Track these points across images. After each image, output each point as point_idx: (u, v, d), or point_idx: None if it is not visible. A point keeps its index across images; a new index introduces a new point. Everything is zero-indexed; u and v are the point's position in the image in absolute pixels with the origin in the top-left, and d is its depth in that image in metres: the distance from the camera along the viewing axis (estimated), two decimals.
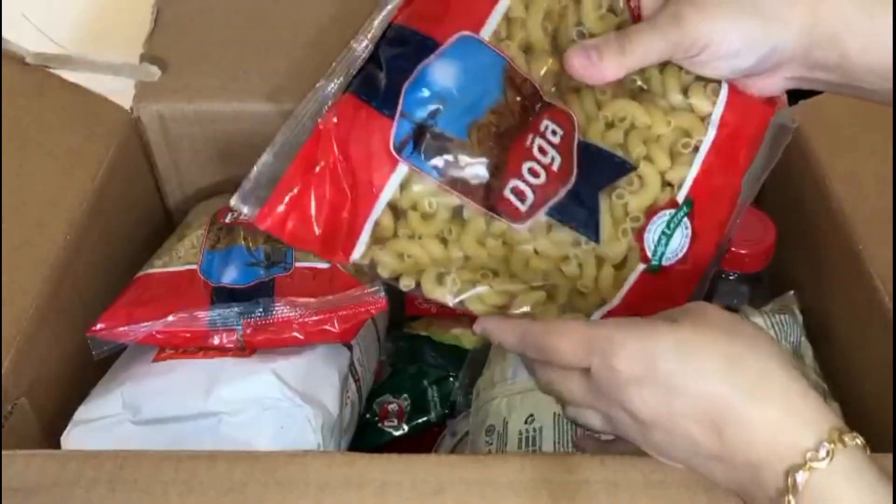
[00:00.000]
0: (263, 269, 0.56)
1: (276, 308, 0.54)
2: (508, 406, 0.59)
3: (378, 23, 0.46)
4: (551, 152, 0.45)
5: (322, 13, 0.72)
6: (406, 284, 0.46)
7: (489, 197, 0.44)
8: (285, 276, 0.56)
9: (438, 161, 0.44)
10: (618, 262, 0.47)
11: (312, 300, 0.54)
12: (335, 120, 0.44)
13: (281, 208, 0.44)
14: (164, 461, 0.43)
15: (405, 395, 0.69)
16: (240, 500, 0.41)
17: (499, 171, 0.44)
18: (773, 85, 0.49)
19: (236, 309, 0.54)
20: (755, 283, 0.62)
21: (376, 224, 0.45)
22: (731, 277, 0.60)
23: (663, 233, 0.46)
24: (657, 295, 0.46)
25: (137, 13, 0.72)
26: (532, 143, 0.45)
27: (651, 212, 0.46)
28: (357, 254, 0.45)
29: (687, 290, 0.48)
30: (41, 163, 0.59)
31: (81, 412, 0.52)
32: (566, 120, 0.46)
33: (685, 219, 0.46)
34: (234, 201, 0.46)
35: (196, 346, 0.54)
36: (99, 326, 0.54)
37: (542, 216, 0.45)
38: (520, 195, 0.44)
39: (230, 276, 0.56)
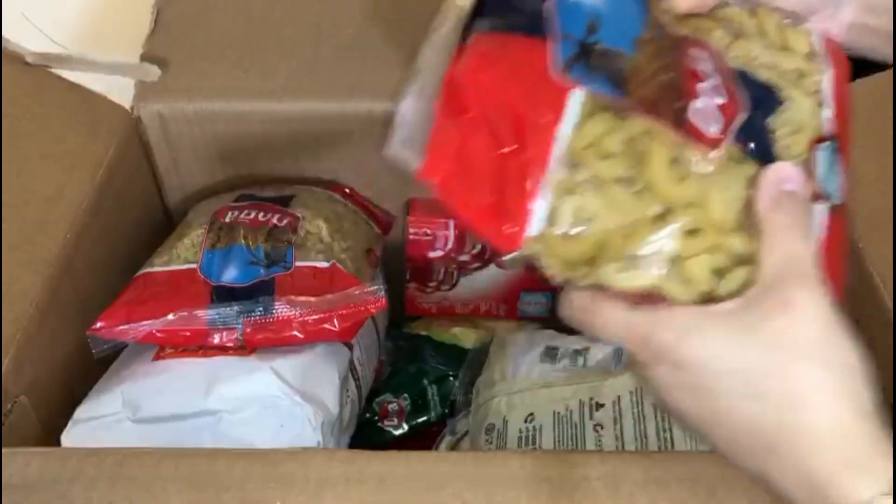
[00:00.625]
0: (263, 267, 0.56)
1: (276, 307, 0.54)
2: (508, 405, 0.59)
3: None
4: (713, 77, 0.39)
5: (322, 13, 0.73)
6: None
7: (679, 120, 0.37)
8: (285, 274, 0.56)
9: (617, 77, 0.36)
10: None
11: (312, 299, 0.55)
12: (472, 61, 0.37)
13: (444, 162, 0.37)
14: (164, 458, 0.43)
15: (405, 395, 0.69)
16: (239, 497, 0.41)
17: (679, 92, 0.37)
18: (835, 28, 0.46)
19: (236, 308, 0.54)
20: None
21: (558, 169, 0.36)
22: None
23: (827, 164, 0.40)
24: (841, 237, 0.40)
25: (138, 13, 0.72)
26: (695, 63, 0.39)
27: (813, 143, 0.39)
28: (537, 219, 0.36)
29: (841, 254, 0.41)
30: (41, 162, 0.59)
31: (81, 410, 0.52)
32: (709, 49, 0.40)
33: (838, 154, 0.40)
34: (393, 149, 0.38)
35: (196, 344, 0.54)
36: (99, 325, 0.54)
37: (730, 143, 0.38)
38: (707, 118, 0.37)
39: (230, 274, 0.56)
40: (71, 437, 0.52)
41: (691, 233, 0.37)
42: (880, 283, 0.53)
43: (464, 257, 0.72)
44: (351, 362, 0.59)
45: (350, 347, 0.59)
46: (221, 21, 0.72)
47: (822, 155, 0.39)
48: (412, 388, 0.69)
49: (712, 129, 0.37)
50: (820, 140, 0.39)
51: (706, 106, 0.37)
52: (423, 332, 0.74)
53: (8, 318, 0.51)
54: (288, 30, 0.71)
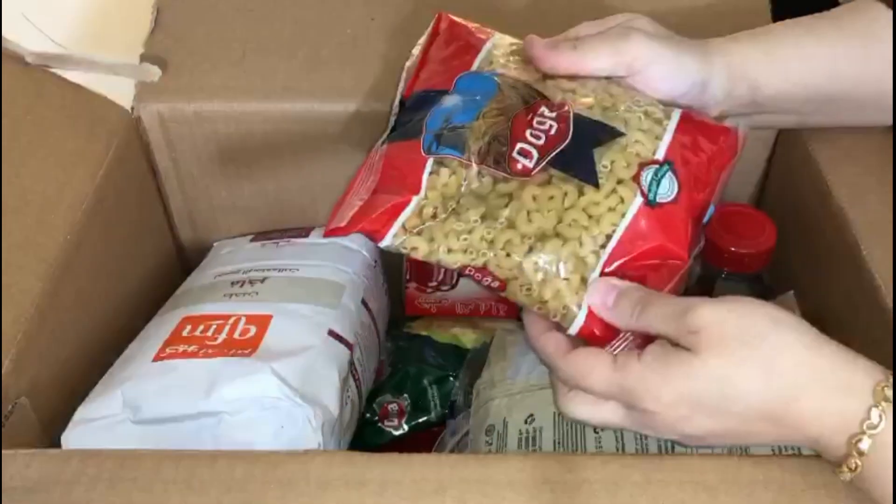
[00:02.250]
0: None
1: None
2: (508, 406, 0.59)
3: (397, 99, 0.57)
4: (549, 122, 0.52)
5: (322, 13, 0.73)
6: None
7: (501, 162, 0.51)
8: None
9: (456, 143, 0.52)
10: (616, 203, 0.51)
11: None
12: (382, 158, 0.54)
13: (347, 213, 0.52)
14: (164, 460, 0.43)
15: (405, 395, 0.69)
16: (240, 499, 0.41)
17: (505, 140, 0.51)
18: (710, 103, 0.56)
19: None
20: (755, 283, 0.62)
21: (412, 214, 0.51)
22: (731, 277, 0.60)
23: (654, 178, 0.50)
24: (657, 228, 0.49)
25: (138, 13, 0.72)
26: (531, 117, 0.52)
27: (641, 164, 0.51)
28: (389, 238, 0.51)
29: (683, 230, 0.50)
30: (41, 162, 0.59)
31: (82, 412, 0.52)
32: (559, 104, 0.53)
33: (669, 172, 0.51)
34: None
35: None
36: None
37: (547, 167, 0.51)
38: (525, 154, 0.51)
39: None
40: (71, 438, 0.52)
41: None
42: (881, 284, 0.53)
43: None
44: (351, 363, 0.59)
45: (350, 347, 0.59)
46: (221, 21, 0.72)
47: (649, 171, 0.50)
48: (412, 388, 0.69)
49: (527, 163, 0.50)
50: (648, 163, 0.50)
51: (525, 147, 0.51)
52: (423, 332, 0.74)
53: (8, 318, 0.51)
54: (288, 30, 0.71)
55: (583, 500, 0.41)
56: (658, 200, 0.50)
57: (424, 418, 0.68)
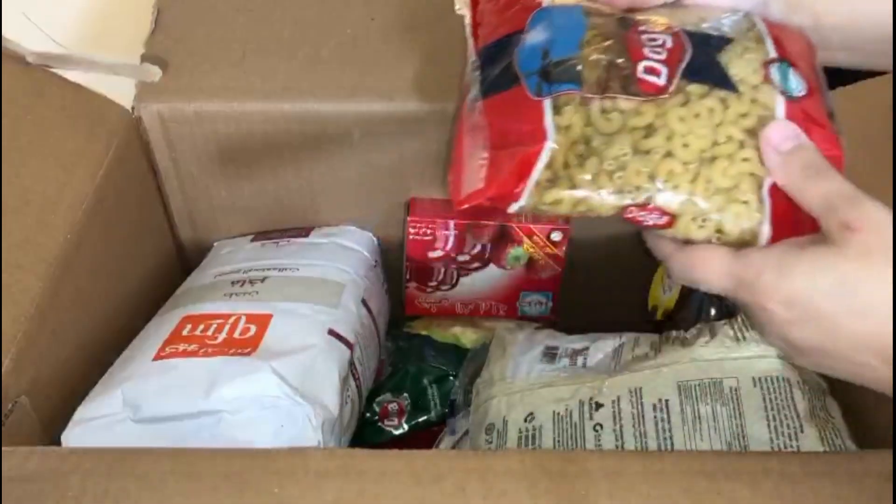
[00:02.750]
0: None
1: None
2: (508, 404, 0.59)
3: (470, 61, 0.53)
4: (661, 37, 0.48)
5: (322, 13, 0.73)
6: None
7: (628, 86, 0.46)
8: None
9: (571, 76, 0.47)
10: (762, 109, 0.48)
11: None
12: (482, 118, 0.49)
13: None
14: (163, 455, 0.43)
15: (405, 395, 0.69)
16: (237, 487, 0.41)
17: (626, 61, 0.47)
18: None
19: None
20: None
21: (544, 167, 0.46)
22: None
23: (782, 76, 0.48)
24: (807, 123, 0.47)
25: (138, 13, 0.72)
26: (640, 35, 0.48)
27: (764, 64, 0.48)
28: (525, 197, 0.47)
29: (827, 124, 0.48)
30: (42, 162, 0.59)
31: (82, 411, 0.53)
32: (660, 22, 0.50)
33: (790, 67, 0.48)
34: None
35: None
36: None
37: (680, 82, 0.47)
38: (653, 72, 0.47)
39: None
40: (71, 437, 0.52)
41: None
42: None
43: (463, 257, 0.72)
44: (351, 362, 0.59)
45: (350, 347, 0.59)
46: (221, 21, 0.72)
47: (775, 69, 0.47)
48: (412, 387, 0.69)
49: (658, 80, 0.46)
50: (770, 62, 0.47)
51: (650, 64, 0.47)
52: (423, 332, 0.74)
53: (8, 318, 0.51)
54: (288, 30, 0.71)
55: (582, 487, 0.41)
56: (796, 95, 0.47)
57: (424, 418, 0.68)
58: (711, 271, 0.44)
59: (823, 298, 0.41)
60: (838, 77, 0.63)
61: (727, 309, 0.60)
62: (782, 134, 0.45)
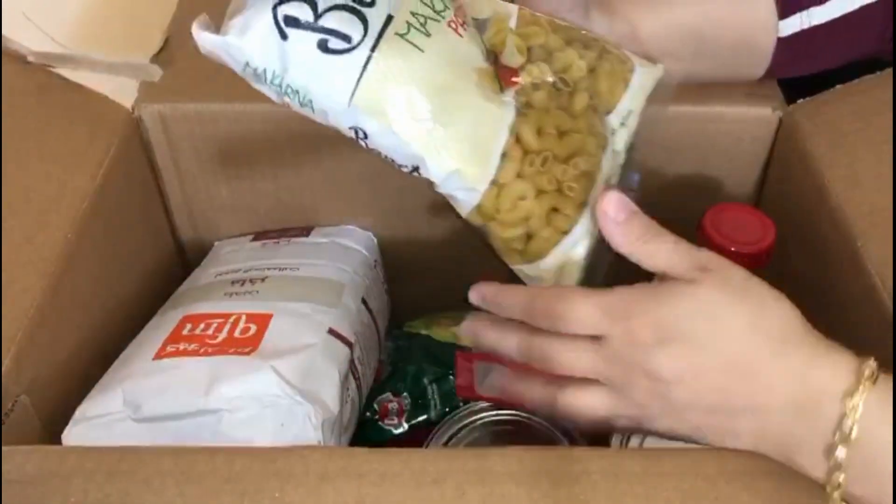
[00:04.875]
0: None
1: None
2: None
3: None
4: None
5: None
6: None
7: None
8: None
9: None
10: None
11: None
12: None
13: None
14: (163, 455, 0.43)
15: (405, 394, 0.69)
16: (238, 490, 0.41)
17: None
18: None
19: None
20: None
21: None
22: None
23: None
24: None
25: (139, 13, 0.72)
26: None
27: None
28: None
29: None
30: (42, 162, 0.59)
31: (82, 410, 0.53)
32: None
33: None
34: None
35: None
36: None
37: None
38: None
39: None
40: (72, 436, 0.52)
41: None
42: (879, 282, 0.53)
43: None
44: (351, 361, 0.59)
45: (350, 346, 0.59)
46: (222, 21, 0.72)
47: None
48: (412, 387, 0.69)
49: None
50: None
51: None
52: (423, 332, 0.74)
53: (8, 317, 0.51)
54: None
55: (581, 490, 0.41)
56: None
57: (424, 417, 0.68)
58: (579, 304, 0.45)
59: (689, 321, 0.42)
60: (838, 77, 0.64)
61: None
62: (616, 204, 0.48)
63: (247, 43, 0.48)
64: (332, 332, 0.59)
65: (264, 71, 0.49)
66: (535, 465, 0.42)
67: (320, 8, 0.48)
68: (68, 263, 0.55)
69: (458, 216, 0.54)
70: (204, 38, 0.49)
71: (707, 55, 0.61)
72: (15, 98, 0.61)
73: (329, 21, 0.48)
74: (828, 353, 0.42)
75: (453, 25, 0.50)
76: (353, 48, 0.48)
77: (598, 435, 0.52)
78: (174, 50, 0.69)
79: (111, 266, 0.62)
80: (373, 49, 0.48)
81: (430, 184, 0.52)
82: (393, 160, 0.51)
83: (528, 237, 0.53)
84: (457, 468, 0.42)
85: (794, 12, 0.59)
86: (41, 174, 0.58)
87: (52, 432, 0.52)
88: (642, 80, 0.55)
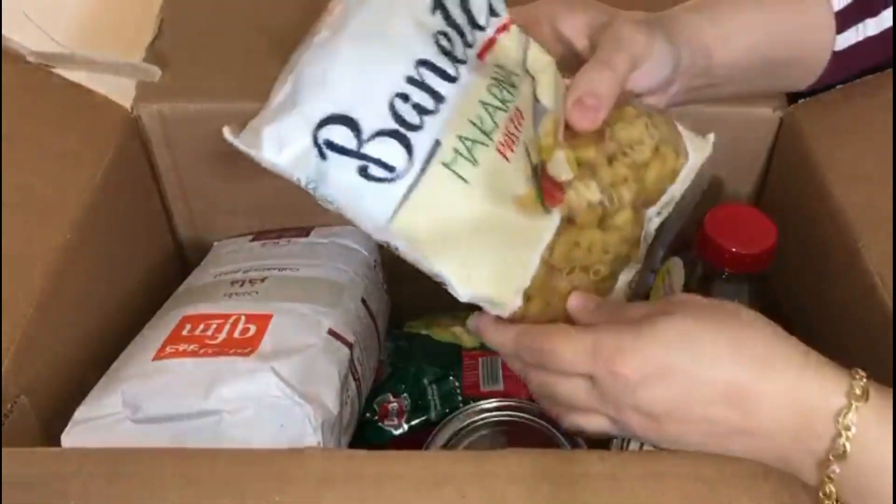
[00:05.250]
0: None
1: None
2: None
3: None
4: None
5: None
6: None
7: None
8: None
9: None
10: None
11: None
12: None
13: None
14: (163, 457, 0.43)
15: (405, 395, 0.69)
16: (238, 493, 0.41)
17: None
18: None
19: None
20: (756, 283, 0.62)
21: None
22: (731, 279, 0.60)
23: None
24: None
25: (139, 13, 0.72)
26: None
27: None
28: None
29: None
30: (41, 161, 0.59)
31: (82, 411, 0.52)
32: None
33: None
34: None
35: None
36: None
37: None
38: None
39: None
40: (71, 437, 0.52)
41: None
42: (879, 282, 0.53)
43: None
44: (351, 362, 0.59)
45: (350, 347, 0.59)
46: (222, 21, 0.72)
47: None
48: (412, 387, 0.69)
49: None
50: None
51: None
52: (423, 332, 0.74)
53: (8, 317, 0.51)
54: (289, 30, 0.71)
55: (582, 492, 0.41)
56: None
57: (424, 417, 0.68)
58: (567, 345, 0.45)
59: (675, 353, 0.42)
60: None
61: None
62: (583, 299, 0.49)
63: (283, 160, 0.46)
64: (331, 332, 0.58)
65: (298, 179, 0.47)
66: (536, 468, 0.42)
67: (364, 134, 0.45)
68: (68, 263, 0.55)
69: None
70: (238, 146, 0.47)
71: (767, 74, 0.61)
72: (15, 98, 0.61)
73: (372, 149, 0.45)
74: (817, 370, 0.42)
75: (501, 149, 0.47)
76: (395, 179, 0.46)
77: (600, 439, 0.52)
78: (174, 50, 0.69)
79: (110, 266, 0.62)
80: (416, 181, 0.46)
81: None
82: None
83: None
84: (457, 470, 0.42)
85: (851, 26, 0.59)
86: (41, 174, 0.58)
87: (51, 433, 0.52)
88: (690, 168, 0.53)
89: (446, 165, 0.46)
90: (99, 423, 0.52)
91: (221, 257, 0.70)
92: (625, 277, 0.53)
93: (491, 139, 0.47)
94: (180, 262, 0.76)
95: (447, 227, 0.46)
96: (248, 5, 0.74)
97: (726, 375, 0.42)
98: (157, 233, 0.72)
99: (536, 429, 0.61)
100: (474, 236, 0.46)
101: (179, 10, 0.73)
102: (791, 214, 0.64)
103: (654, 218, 0.53)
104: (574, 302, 0.49)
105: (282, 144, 0.46)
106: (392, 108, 0.46)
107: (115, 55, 0.66)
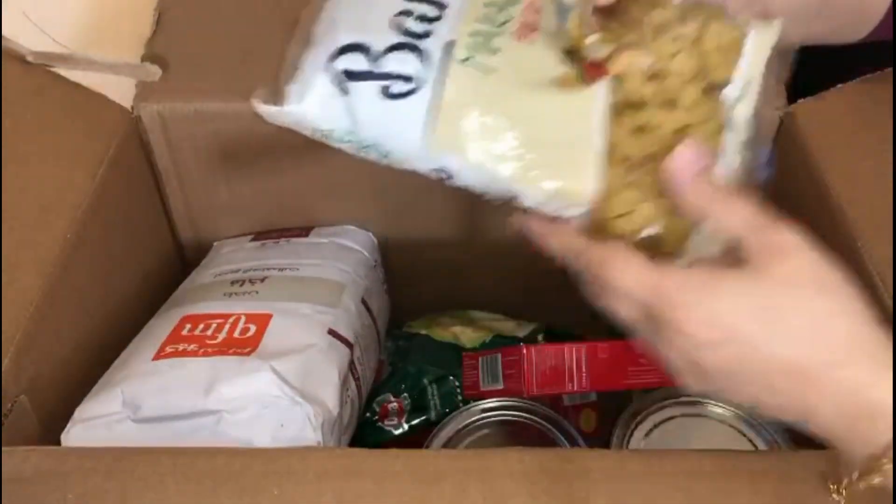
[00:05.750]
0: None
1: None
2: None
3: None
4: None
5: None
6: None
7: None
8: None
9: None
10: None
11: None
12: None
13: None
14: (162, 455, 0.43)
15: (405, 394, 0.69)
16: (237, 488, 0.41)
17: None
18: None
19: None
20: None
21: None
22: None
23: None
24: None
25: (139, 13, 0.72)
26: None
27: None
28: None
29: None
30: (41, 161, 0.59)
31: (81, 410, 0.53)
32: None
33: None
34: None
35: None
36: None
37: None
38: None
39: None
40: (71, 436, 0.52)
41: None
42: (880, 282, 0.53)
43: None
44: (351, 362, 0.59)
45: (350, 347, 0.59)
46: (222, 21, 0.72)
47: None
48: (412, 387, 0.69)
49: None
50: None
51: None
52: (424, 332, 0.74)
53: (8, 317, 0.51)
54: (288, 30, 0.71)
55: (581, 488, 0.41)
56: None
57: (424, 417, 0.68)
58: (629, 274, 0.41)
59: (747, 321, 0.39)
60: (835, 75, 0.64)
61: None
62: (690, 157, 0.44)
63: (308, 107, 0.45)
64: (331, 332, 0.58)
65: (332, 131, 0.46)
66: (536, 464, 0.42)
67: (374, 52, 0.45)
68: (68, 263, 0.55)
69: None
70: (265, 111, 0.47)
71: (824, 16, 0.57)
72: (15, 98, 0.61)
73: (386, 64, 0.45)
74: (892, 368, 0.39)
75: (520, 36, 0.46)
76: (417, 89, 0.44)
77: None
78: (174, 50, 0.69)
79: (111, 266, 0.62)
80: (437, 84, 0.44)
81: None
82: (486, 194, 0.47)
83: (657, 239, 0.47)
84: (457, 466, 0.42)
85: None
86: (41, 174, 0.58)
87: (51, 433, 0.52)
88: (758, 42, 0.47)
89: (464, 62, 0.45)
90: (99, 423, 0.52)
91: (221, 257, 0.71)
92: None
93: (505, 28, 0.46)
94: (180, 262, 0.76)
95: (490, 130, 0.44)
96: (249, 5, 0.74)
97: (797, 353, 0.39)
98: (157, 233, 0.72)
99: (536, 429, 0.61)
100: (523, 132, 0.44)
101: (179, 9, 0.73)
102: (791, 214, 0.64)
103: (737, 105, 0.47)
104: (684, 157, 0.44)
105: (303, 91, 0.45)
106: (397, 25, 0.46)
107: (114, 55, 0.66)
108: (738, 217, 0.42)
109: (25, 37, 0.64)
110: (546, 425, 0.61)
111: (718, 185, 0.44)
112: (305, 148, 0.68)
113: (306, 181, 0.71)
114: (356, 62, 0.45)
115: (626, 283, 0.42)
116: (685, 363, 0.41)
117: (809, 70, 0.61)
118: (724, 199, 0.42)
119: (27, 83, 0.63)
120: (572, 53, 0.46)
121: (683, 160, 0.43)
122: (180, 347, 0.55)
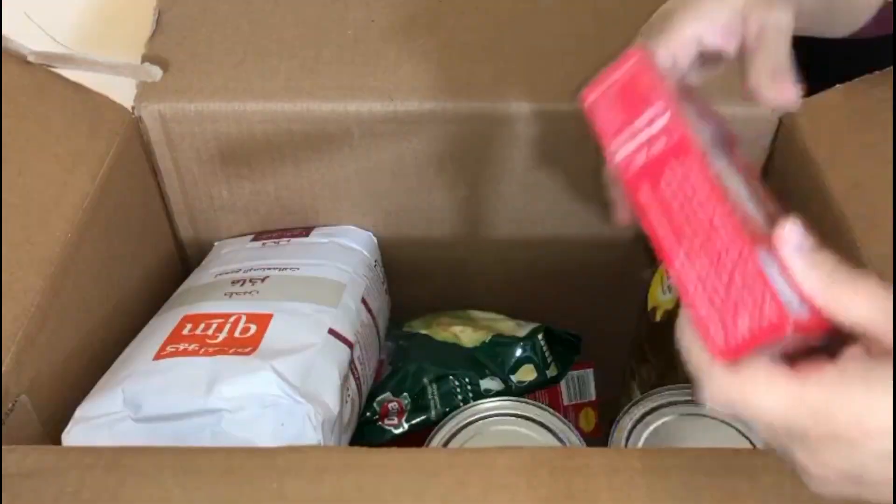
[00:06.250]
0: None
1: None
2: None
3: None
4: None
5: (322, 14, 0.73)
6: None
7: None
8: None
9: None
10: None
11: None
12: None
13: None
14: (161, 450, 0.43)
15: (405, 394, 0.69)
16: (236, 481, 0.41)
17: None
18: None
19: None
20: None
21: None
22: None
23: None
24: None
25: (140, 13, 0.73)
26: None
27: None
28: None
29: None
30: (42, 162, 0.59)
31: (82, 410, 0.53)
32: None
33: None
34: None
35: None
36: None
37: None
38: None
39: None
40: (72, 436, 0.52)
41: None
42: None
43: None
44: (351, 361, 0.59)
45: (350, 346, 0.59)
46: (222, 21, 0.72)
47: None
48: (412, 387, 0.69)
49: None
50: None
51: None
52: (424, 331, 0.74)
53: (8, 317, 0.51)
54: (289, 31, 0.72)
55: (581, 482, 0.41)
56: None
57: (424, 417, 0.68)
58: (768, 395, 0.34)
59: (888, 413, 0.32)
60: (835, 75, 0.64)
61: None
62: (800, 233, 0.36)
63: None
64: (332, 332, 0.59)
65: None
66: (536, 460, 0.42)
67: None
68: (68, 263, 0.55)
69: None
70: None
71: (831, 10, 0.57)
72: (15, 98, 0.61)
73: None
74: None
75: None
76: None
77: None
78: (174, 50, 0.69)
79: (111, 266, 0.62)
80: None
81: None
82: None
83: None
84: (457, 461, 0.42)
85: None
86: (41, 174, 0.58)
87: (52, 432, 0.52)
88: None
89: None
90: (100, 422, 0.52)
91: (222, 257, 0.71)
92: None
93: None
94: (180, 262, 0.76)
95: None
96: (249, 5, 0.74)
97: None
98: (158, 233, 0.72)
99: (536, 428, 0.61)
100: None
101: (179, 9, 0.73)
102: (790, 214, 0.64)
103: None
104: (792, 238, 0.36)
105: None
106: None
107: (115, 55, 0.66)
108: (862, 309, 0.34)
109: (26, 37, 0.64)
110: (546, 425, 0.61)
111: (832, 263, 0.36)
112: (305, 148, 0.69)
113: (306, 181, 0.71)
114: None
115: (772, 405, 0.34)
116: (851, 489, 0.35)
117: (809, 70, 0.61)
118: (842, 285, 0.35)
119: (28, 83, 0.63)
120: None
121: (797, 234, 0.37)
122: (181, 347, 0.55)
